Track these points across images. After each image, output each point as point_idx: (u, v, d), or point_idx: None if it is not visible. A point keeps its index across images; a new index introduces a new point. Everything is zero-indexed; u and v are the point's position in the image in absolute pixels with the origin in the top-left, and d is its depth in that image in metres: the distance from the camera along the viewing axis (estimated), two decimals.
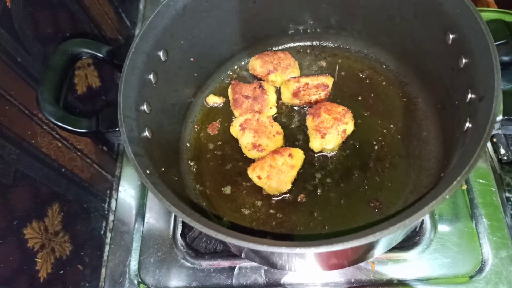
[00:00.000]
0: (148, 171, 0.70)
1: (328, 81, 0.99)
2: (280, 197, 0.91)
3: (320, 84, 0.99)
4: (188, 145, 1.02)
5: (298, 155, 0.91)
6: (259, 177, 0.88)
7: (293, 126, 1.01)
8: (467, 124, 0.73)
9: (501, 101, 0.66)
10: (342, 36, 1.08)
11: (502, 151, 1.05)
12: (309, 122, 0.95)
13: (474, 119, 0.69)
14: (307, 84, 0.99)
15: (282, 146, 0.96)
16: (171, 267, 0.97)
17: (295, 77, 1.02)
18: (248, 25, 1.04)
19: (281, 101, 1.04)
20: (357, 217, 0.87)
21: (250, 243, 0.58)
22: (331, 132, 0.91)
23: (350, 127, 0.93)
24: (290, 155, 0.90)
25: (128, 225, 1.04)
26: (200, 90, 1.07)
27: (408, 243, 0.94)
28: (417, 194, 0.87)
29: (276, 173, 0.88)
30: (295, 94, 1.00)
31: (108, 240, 1.04)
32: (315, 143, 0.92)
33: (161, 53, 0.88)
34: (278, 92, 1.05)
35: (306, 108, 1.02)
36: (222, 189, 0.95)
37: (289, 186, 0.89)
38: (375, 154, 0.93)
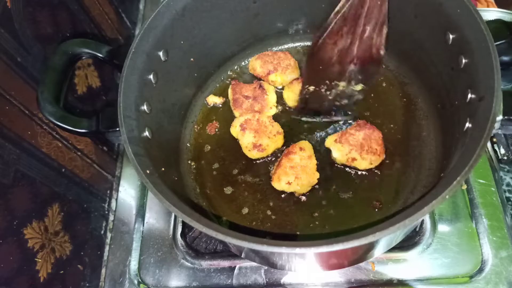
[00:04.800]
0: (148, 171, 0.70)
1: None
2: (280, 198, 0.91)
3: None
4: (188, 145, 1.02)
5: (307, 145, 0.92)
6: (289, 183, 0.88)
7: (293, 125, 1.01)
8: (467, 124, 0.73)
9: (501, 101, 0.66)
10: None
11: (502, 151, 1.05)
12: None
13: (474, 119, 0.69)
14: None
15: (282, 146, 0.96)
16: (171, 267, 0.97)
17: (297, 78, 1.02)
18: (248, 25, 1.04)
19: (285, 105, 1.03)
20: (357, 217, 0.87)
21: (250, 243, 0.58)
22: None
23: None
24: (301, 149, 0.90)
25: (128, 225, 1.04)
26: (200, 90, 1.07)
27: (408, 243, 0.94)
28: (417, 194, 0.87)
29: (301, 171, 0.88)
30: None
31: (108, 240, 1.04)
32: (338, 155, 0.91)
33: (161, 53, 0.88)
34: (278, 92, 1.05)
35: None
36: (222, 189, 0.95)
37: (318, 175, 0.89)
38: None
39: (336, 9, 0.82)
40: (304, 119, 0.97)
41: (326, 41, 0.85)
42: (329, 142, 0.92)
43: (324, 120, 0.96)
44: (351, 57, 0.88)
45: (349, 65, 0.90)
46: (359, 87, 0.94)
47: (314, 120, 0.96)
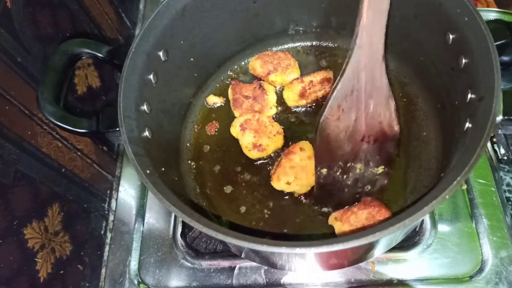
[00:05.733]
0: (148, 171, 0.70)
1: (330, 75, 1.00)
2: (279, 198, 0.91)
3: (324, 79, 0.99)
4: (188, 145, 1.02)
5: (308, 146, 0.92)
6: (288, 183, 0.88)
7: (293, 125, 1.01)
8: (467, 124, 0.73)
9: (501, 101, 0.66)
10: (342, 36, 1.08)
11: (502, 151, 1.05)
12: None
13: (474, 119, 0.69)
14: (311, 82, 0.99)
15: (283, 146, 0.96)
16: (171, 267, 0.97)
17: (297, 78, 1.02)
18: (248, 25, 1.04)
19: (285, 105, 1.03)
20: None
21: (250, 243, 0.58)
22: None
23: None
24: (301, 149, 0.90)
25: (128, 225, 1.04)
26: (200, 90, 1.07)
27: (408, 243, 0.94)
28: (417, 194, 0.87)
29: (300, 171, 0.88)
30: (302, 95, 1.00)
31: (108, 240, 1.04)
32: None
33: (161, 53, 0.88)
34: (278, 92, 1.05)
35: (305, 108, 1.02)
36: (222, 189, 0.95)
37: None
38: None
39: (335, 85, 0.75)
40: (324, 209, 0.88)
41: (328, 117, 0.77)
42: (331, 220, 0.85)
43: None
44: (360, 134, 0.79)
45: (361, 143, 0.80)
46: (380, 169, 0.84)
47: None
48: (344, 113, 0.77)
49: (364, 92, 0.75)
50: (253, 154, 0.94)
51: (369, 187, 0.86)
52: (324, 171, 0.84)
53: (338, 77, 0.74)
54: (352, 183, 0.85)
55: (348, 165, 0.83)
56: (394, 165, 0.85)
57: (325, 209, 0.88)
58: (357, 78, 0.74)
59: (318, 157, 0.84)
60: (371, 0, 0.68)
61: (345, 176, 0.84)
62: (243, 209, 0.91)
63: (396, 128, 0.80)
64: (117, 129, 0.75)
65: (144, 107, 0.83)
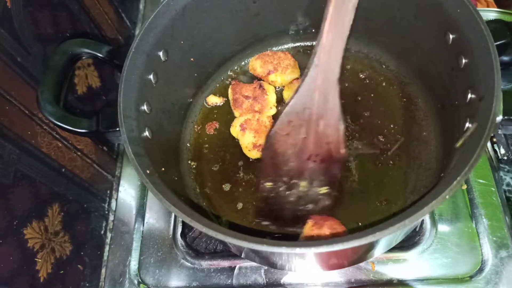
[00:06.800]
0: (148, 171, 0.70)
1: None
2: None
3: None
4: (188, 145, 1.02)
5: None
6: None
7: None
8: (467, 124, 0.73)
9: (501, 101, 0.66)
10: None
11: (502, 151, 1.05)
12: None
13: (474, 119, 0.69)
14: None
15: None
16: (171, 267, 0.97)
17: (297, 78, 1.02)
18: (248, 25, 1.04)
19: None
20: (356, 218, 0.86)
21: (250, 243, 0.58)
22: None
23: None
24: None
25: (128, 225, 1.04)
26: (200, 90, 1.07)
27: (408, 243, 0.94)
28: (417, 194, 0.87)
29: None
30: None
31: (108, 240, 1.04)
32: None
33: (161, 53, 0.88)
34: (278, 92, 1.05)
35: None
36: (223, 188, 0.95)
37: None
38: (375, 155, 0.93)
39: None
40: (264, 223, 0.86)
41: (277, 132, 0.76)
42: None
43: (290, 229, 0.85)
44: (307, 152, 0.78)
45: (307, 162, 0.79)
46: (323, 190, 0.82)
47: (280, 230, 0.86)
48: (294, 129, 0.76)
49: (316, 112, 0.74)
50: (253, 154, 0.94)
51: (312, 206, 0.84)
52: (268, 184, 0.83)
53: (293, 93, 0.74)
54: (294, 200, 0.84)
55: (292, 181, 0.82)
56: (336, 186, 0.84)
57: (265, 223, 0.87)
58: (311, 97, 0.73)
59: (263, 170, 0.83)
60: (332, 23, 0.68)
61: (288, 192, 0.83)
62: (243, 209, 0.91)
63: (343, 151, 0.79)
64: (117, 129, 0.75)
65: (144, 107, 0.83)
